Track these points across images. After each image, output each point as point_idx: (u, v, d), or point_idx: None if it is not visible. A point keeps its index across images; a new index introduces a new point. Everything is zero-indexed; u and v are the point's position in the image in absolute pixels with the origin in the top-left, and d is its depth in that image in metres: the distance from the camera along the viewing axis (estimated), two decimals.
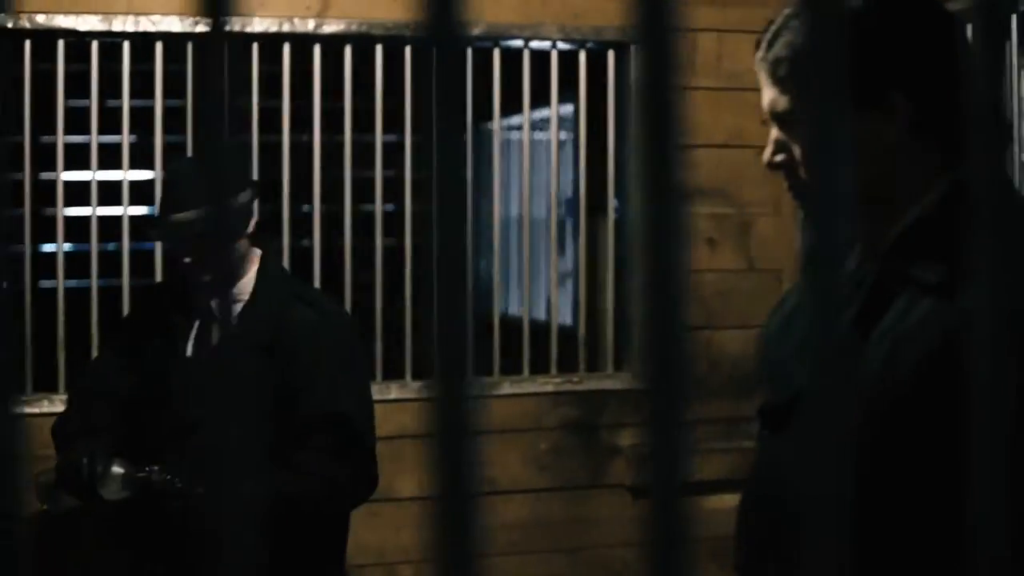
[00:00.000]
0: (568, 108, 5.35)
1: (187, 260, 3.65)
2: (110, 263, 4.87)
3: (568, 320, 5.39)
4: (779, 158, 2.18)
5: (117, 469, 3.55)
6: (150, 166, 4.84)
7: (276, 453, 3.65)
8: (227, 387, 0.91)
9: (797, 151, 2.16)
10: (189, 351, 3.76)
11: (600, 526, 4.96)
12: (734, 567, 2.35)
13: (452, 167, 0.85)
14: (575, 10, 5.06)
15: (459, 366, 0.87)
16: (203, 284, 3.72)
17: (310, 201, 4.95)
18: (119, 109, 4.81)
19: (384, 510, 4.71)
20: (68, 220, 4.83)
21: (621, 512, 4.97)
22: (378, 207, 4.93)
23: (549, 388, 4.94)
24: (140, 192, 4.90)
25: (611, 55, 5.15)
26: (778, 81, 2.16)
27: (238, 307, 3.74)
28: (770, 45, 2.17)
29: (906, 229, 2.12)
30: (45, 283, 4.99)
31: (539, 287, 5.67)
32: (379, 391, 4.73)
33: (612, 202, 5.04)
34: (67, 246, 4.82)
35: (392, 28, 4.86)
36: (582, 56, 5.12)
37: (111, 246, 4.95)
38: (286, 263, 4.65)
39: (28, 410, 4.28)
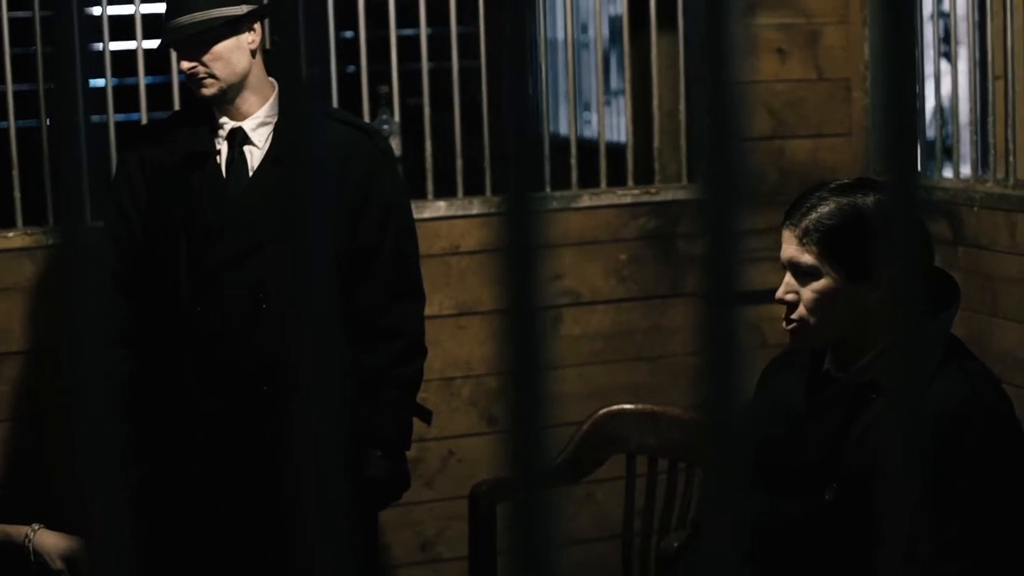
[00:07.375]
0: None
1: (187, 65, 3.65)
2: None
3: (637, 136, 5.45)
4: (789, 297, 2.82)
5: None
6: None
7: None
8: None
9: (804, 295, 2.79)
10: (224, 174, 3.73)
11: (679, 334, 4.99)
12: None
13: None
14: None
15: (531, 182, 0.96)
16: (216, 96, 3.69)
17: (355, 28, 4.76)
18: None
19: (471, 323, 4.84)
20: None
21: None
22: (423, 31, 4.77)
23: (627, 200, 4.98)
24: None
25: None
26: (804, 244, 2.79)
27: (267, 129, 3.72)
28: (802, 217, 2.80)
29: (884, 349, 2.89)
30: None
31: (614, 106, 5.73)
32: (462, 206, 4.83)
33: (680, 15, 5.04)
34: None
35: None
36: None
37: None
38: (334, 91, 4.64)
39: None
